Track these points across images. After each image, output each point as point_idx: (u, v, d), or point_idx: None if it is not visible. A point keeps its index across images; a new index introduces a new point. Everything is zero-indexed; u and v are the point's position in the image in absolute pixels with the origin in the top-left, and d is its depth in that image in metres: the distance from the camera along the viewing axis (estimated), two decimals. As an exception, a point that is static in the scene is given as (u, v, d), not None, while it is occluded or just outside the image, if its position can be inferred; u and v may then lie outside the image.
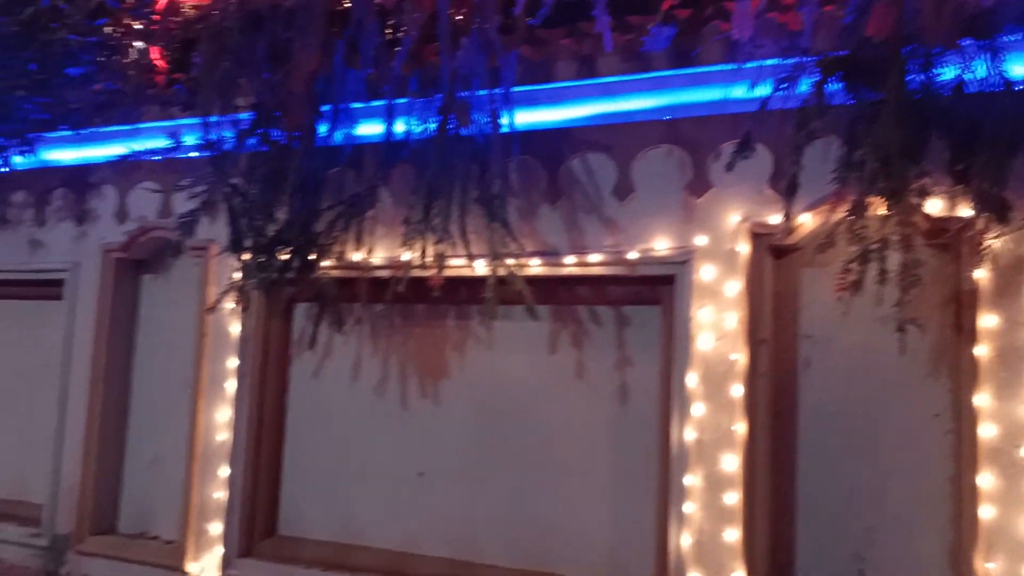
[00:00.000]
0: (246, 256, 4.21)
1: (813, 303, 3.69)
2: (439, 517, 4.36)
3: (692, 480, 3.66)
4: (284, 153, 4.15)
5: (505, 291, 3.90)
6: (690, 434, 3.69)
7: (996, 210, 3.00)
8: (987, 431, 3.21)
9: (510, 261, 3.90)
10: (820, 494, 3.61)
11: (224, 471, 4.65)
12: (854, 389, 3.60)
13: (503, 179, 3.98)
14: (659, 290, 3.96)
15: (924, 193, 3.11)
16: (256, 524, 4.63)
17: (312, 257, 4.16)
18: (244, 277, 4.26)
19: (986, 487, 3.19)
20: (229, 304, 4.48)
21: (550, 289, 4.13)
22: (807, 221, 3.56)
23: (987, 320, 3.25)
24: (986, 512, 3.18)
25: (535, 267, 4.06)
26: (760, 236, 3.68)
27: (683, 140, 3.84)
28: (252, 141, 4.26)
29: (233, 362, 4.71)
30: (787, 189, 3.22)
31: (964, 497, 3.26)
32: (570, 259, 4.02)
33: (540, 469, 4.17)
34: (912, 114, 3.01)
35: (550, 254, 4.05)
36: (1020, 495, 3.14)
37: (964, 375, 3.31)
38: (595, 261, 3.98)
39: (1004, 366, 3.22)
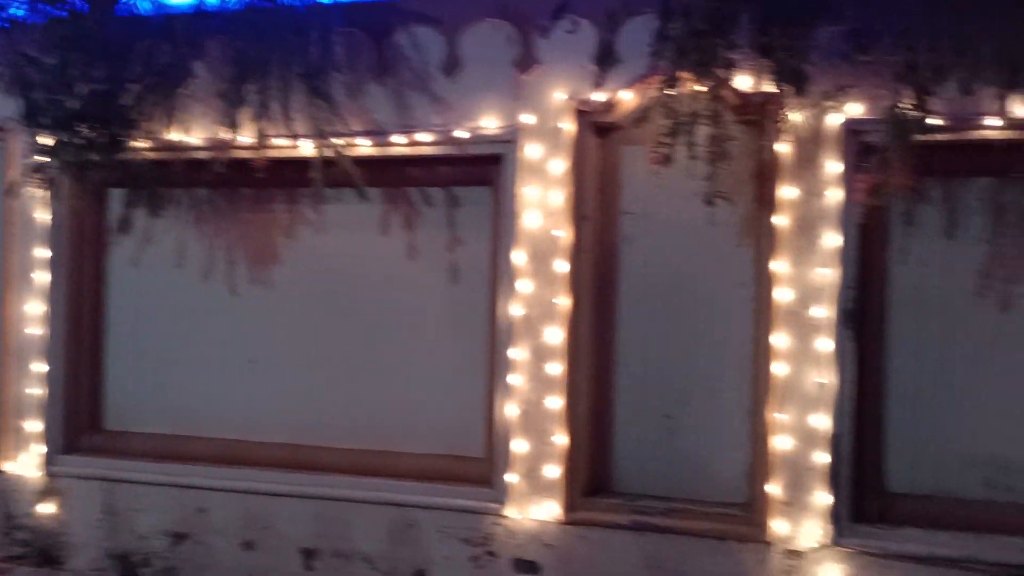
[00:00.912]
0: (46, 134, 3.89)
1: (633, 180, 3.78)
2: (275, 403, 4.32)
3: (518, 353, 3.77)
4: (82, 19, 3.80)
5: (333, 172, 3.81)
6: (517, 309, 3.78)
7: (795, 82, 3.13)
8: (783, 295, 3.45)
9: (337, 141, 3.80)
10: (637, 362, 3.80)
11: (40, 367, 4.40)
12: (669, 262, 3.76)
13: (326, 53, 3.82)
14: (488, 170, 3.95)
15: (731, 67, 3.21)
16: (79, 420, 4.45)
17: (119, 135, 3.88)
18: (46, 157, 3.94)
19: (780, 346, 3.45)
20: (35, 190, 4.17)
21: (380, 170, 4.04)
22: (628, 98, 3.61)
23: (786, 191, 3.45)
24: (779, 369, 3.45)
25: (364, 147, 3.95)
26: (584, 114, 3.71)
27: (511, 14, 3.77)
28: (45, 7, 3.88)
29: (43, 252, 4.40)
30: (601, 60, 3.24)
31: (761, 356, 3.51)
32: (399, 138, 3.94)
33: (375, 350, 4.18)
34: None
35: (378, 133, 3.94)
36: (808, 353, 3.42)
37: (764, 244, 3.51)
38: (424, 140, 3.92)
39: (801, 234, 3.44)
